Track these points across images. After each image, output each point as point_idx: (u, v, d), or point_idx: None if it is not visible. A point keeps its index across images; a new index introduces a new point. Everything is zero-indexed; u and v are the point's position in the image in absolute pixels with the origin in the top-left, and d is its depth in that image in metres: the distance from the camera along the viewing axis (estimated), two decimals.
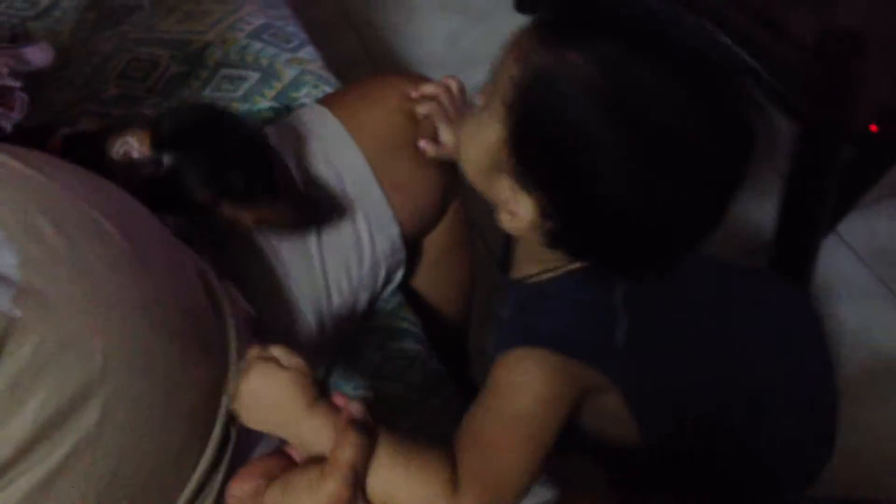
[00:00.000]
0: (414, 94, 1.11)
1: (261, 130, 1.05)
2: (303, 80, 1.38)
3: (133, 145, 0.95)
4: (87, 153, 1.00)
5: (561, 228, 0.84)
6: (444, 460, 0.82)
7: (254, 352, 0.85)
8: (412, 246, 1.17)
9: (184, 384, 0.83)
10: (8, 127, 1.30)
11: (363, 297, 1.13)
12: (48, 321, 0.75)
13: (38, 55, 1.34)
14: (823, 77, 1.42)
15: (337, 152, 1.10)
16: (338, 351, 1.12)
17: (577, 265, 0.88)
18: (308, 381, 0.83)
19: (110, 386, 0.77)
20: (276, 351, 0.85)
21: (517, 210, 0.85)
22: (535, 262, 0.92)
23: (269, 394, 0.83)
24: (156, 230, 0.91)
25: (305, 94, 1.37)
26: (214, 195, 0.97)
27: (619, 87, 0.78)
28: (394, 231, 1.12)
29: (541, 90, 0.81)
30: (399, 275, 1.17)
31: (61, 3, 1.51)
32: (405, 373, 1.10)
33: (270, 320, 1.03)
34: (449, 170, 1.18)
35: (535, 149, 0.82)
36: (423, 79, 1.16)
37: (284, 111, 1.31)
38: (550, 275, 0.90)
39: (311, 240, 1.08)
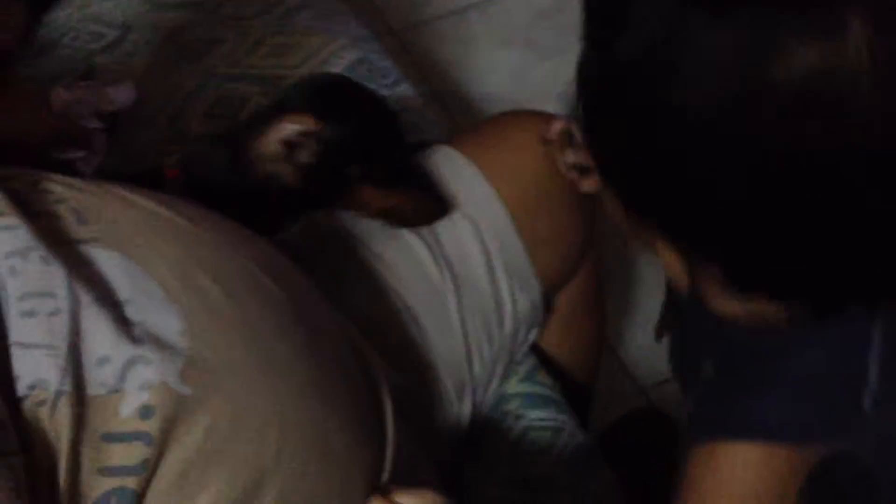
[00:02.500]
0: (549, 135, 1.00)
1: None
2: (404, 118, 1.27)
3: (292, 129, 0.85)
4: (213, 170, 0.91)
5: (724, 263, 0.61)
6: None
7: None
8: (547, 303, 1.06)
9: (354, 467, 0.72)
10: (88, 171, 1.19)
11: (502, 363, 1.01)
12: (220, 398, 0.63)
13: (123, 94, 1.24)
14: None
15: (475, 203, 0.99)
16: (476, 423, 1.00)
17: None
18: None
19: (285, 473, 0.66)
20: (403, 498, 0.72)
21: (665, 259, 0.66)
22: (747, 301, 0.67)
23: None
24: (306, 285, 0.80)
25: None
26: (366, 170, 0.91)
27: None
28: (535, 289, 1.01)
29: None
30: (534, 335, 1.05)
31: (130, 37, 1.40)
32: (552, 446, 0.99)
33: (409, 390, 0.92)
34: (587, 220, 1.07)
35: (608, 157, 0.62)
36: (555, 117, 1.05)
37: None
38: (773, 322, 0.66)
39: (451, 301, 0.96)
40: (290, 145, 0.86)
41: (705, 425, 0.72)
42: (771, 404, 0.69)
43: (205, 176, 0.93)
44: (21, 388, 0.58)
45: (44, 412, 0.57)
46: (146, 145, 1.25)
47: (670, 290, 0.91)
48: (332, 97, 0.90)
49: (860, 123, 0.53)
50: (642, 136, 0.58)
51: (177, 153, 1.16)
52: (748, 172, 0.55)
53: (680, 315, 0.85)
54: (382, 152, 0.91)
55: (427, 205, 0.94)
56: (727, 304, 0.67)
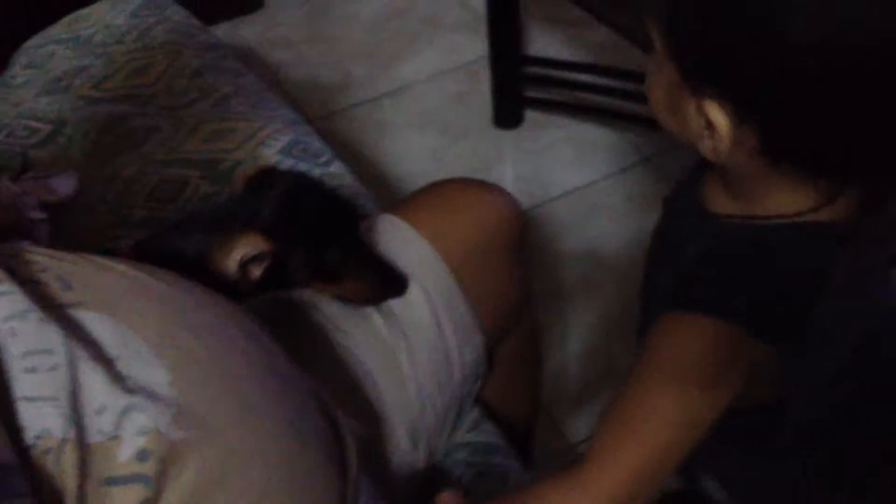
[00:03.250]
0: None
1: (352, 203, 1.04)
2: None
3: (245, 252, 0.89)
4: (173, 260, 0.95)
5: (767, 127, 0.71)
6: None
7: None
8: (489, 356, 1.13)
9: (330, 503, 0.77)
10: None
11: (452, 412, 1.07)
12: (208, 442, 0.68)
13: (66, 184, 1.28)
14: None
15: (420, 265, 1.05)
16: (429, 470, 1.05)
17: (798, 214, 0.76)
18: None
19: None
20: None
21: (714, 125, 0.72)
22: (747, 201, 0.79)
23: None
24: (272, 341, 0.85)
25: None
26: (313, 274, 0.96)
27: None
28: (479, 342, 1.08)
29: None
30: (478, 386, 1.12)
31: (64, 130, 1.45)
32: (502, 490, 1.04)
33: (367, 439, 0.97)
34: (524, 278, 1.15)
35: (691, 25, 0.71)
36: (489, 184, 1.14)
37: None
38: (767, 222, 0.77)
39: (403, 357, 1.02)
40: (245, 263, 0.90)
41: (675, 298, 0.79)
42: (735, 288, 0.77)
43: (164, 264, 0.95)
44: (28, 437, 0.62)
45: (50, 459, 0.61)
46: (89, 232, 1.29)
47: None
48: (281, 212, 0.93)
49: None
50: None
51: (125, 238, 1.20)
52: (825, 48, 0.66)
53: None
54: (332, 256, 0.96)
55: (382, 285, 1.00)
56: (727, 203, 0.80)
